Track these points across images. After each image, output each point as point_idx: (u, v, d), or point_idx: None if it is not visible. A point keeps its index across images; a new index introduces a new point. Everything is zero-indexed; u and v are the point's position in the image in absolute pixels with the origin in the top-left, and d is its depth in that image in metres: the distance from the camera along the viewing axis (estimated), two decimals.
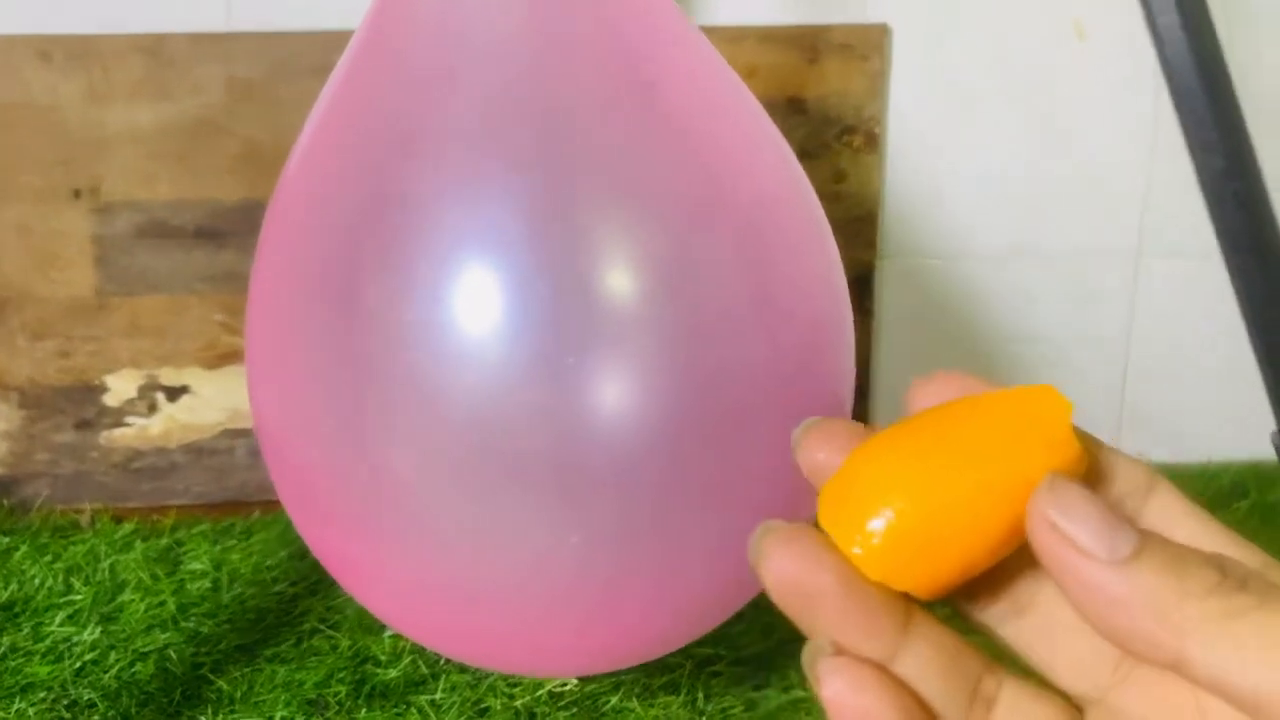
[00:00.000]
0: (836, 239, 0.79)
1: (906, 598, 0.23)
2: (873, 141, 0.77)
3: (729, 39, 0.74)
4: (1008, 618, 0.25)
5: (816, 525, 0.24)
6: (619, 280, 0.40)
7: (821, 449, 0.24)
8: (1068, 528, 0.22)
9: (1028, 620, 0.24)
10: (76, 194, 0.73)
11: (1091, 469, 0.24)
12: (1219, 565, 0.22)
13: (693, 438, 0.41)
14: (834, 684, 0.23)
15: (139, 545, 0.65)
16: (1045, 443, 0.23)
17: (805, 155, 0.76)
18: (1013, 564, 0.24)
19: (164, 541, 0.65)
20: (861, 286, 0.79)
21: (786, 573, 0.23)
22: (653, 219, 0.41)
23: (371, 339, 0.39)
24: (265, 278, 0.42)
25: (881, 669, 0.23)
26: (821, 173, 0.77)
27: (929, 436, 0.24)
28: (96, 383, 0.75)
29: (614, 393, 0.39)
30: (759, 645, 0.57)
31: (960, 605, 0.25)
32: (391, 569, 0.42)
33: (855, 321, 0.81)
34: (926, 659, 0.23)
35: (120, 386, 0.75)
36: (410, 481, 0.39)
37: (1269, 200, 0.57)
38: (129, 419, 0.75)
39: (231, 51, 0.70)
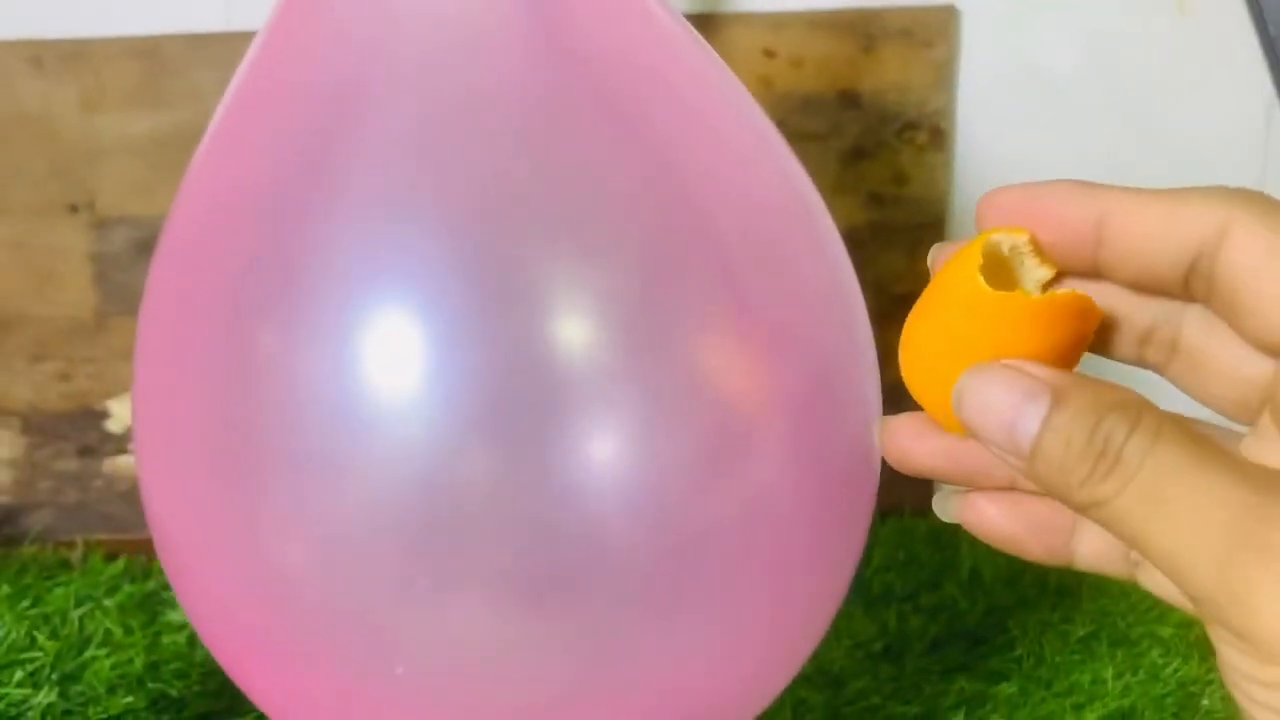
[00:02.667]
0: (898, 248, 0.71)
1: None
2: (939, 138, 0.68)
3: (771, 26, 0.66)
4: (1170, 361, 0.28)
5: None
6: (574, 331, 0.33)
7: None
8: (978, 428, 0.26)
9: (1179, 359, 0.28)
10: (73, 209, 0.68)
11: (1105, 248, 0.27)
12: (1098, 447, 0.23)
13: (672, 524, 0.34)
14: (963, 515, 0.30)
15: (125, 589, 0.60)
16: (981, 311, 0.26)
17: (861, 155, 0.68)
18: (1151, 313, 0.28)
19: (149, 585, 0.60)
20: None
21: (896, 457, 0.31)
22: (616, 259, 0.33)
23: (262, 400, 0.33)
24: (151, 330, 0.36)
25: (1008, 490, 0.29)
26: (880, 175, 0.69)
27: (921, 318, 0.29)
28: (98, 408, 0.71)
29: (568, 470, 0.32)
30: None
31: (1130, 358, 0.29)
32: (306, 698, 0.36)
33: None
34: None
35: (122, 411, 0.71)
36: (312, 583, 0.33)
37: None
38: (132, 446, 0.71)
39: (231, 54, 0.65)
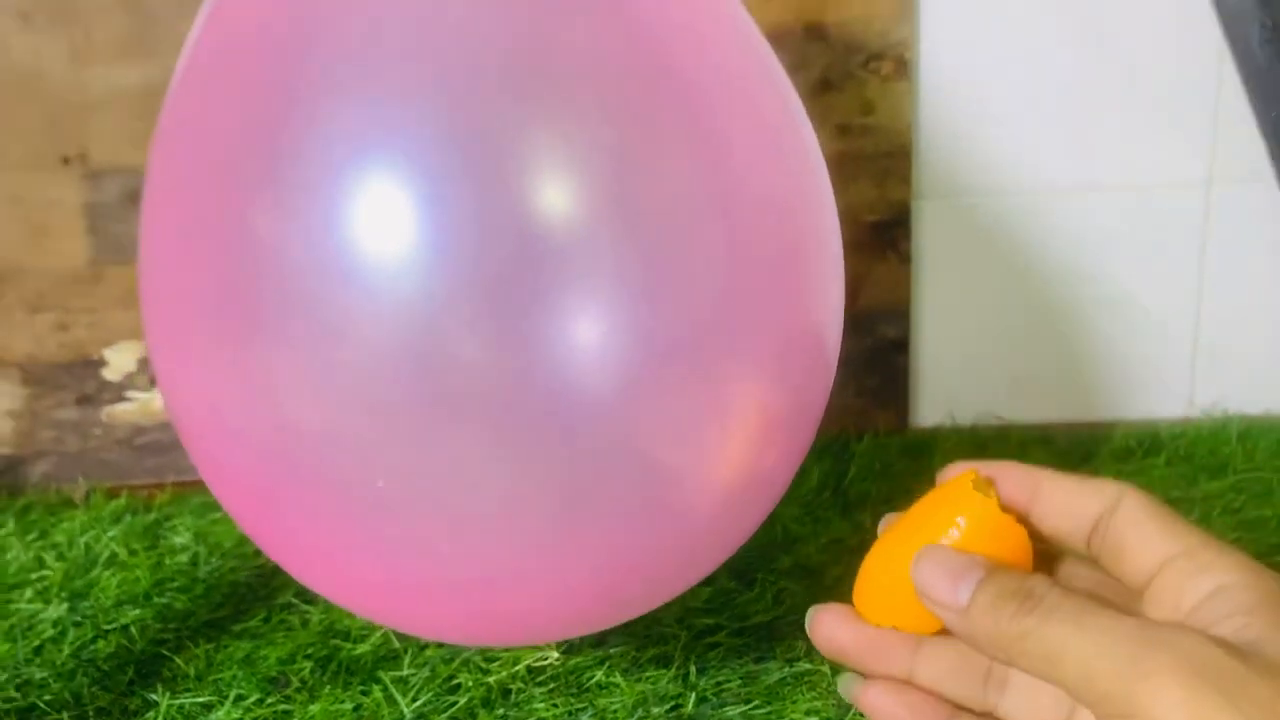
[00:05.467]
0: (867, 178, 0.73)
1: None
2: (903, 68, 0.70)
3: None
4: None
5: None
6: (556, 192, 0.35)
7: None
8: (926, 584, 0.34)
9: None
10: (65, 161, 0.70)
11: (1042, 509, 0.35)
12: (1025, 592, 0.31)
13: (647, 376, 0.36)
14: (859, 699, 0.36)
15: (127, 520, 0.62)
16: (968, 517, 0.34)
17: (828, 87, 0.70)
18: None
19: (152, 516, 0.62)
20: (897, 229, 0.73)
21: (822, 636, 0.37)
22: (598, 122, 0.35)
23: (260, 273, 0.35)
24: (150, 221, 0.38)
25: (903, 682, 0.36)
26: (847, 106, 0.71)
27: (893, 536, 0.36)
28: (96, 356, 0.73)
29: (553, 325, 0.35)
30: (766, 615, 0.52)
31: None
32: (319, 536, 0.38)
33: (893, 268, 0.75)
34: (938, 663, 0.36)
35: (119, 360, 0.73)
36: (323, 437, 0.35)
37: None
38: (129, 394, 0.73)
39: None
